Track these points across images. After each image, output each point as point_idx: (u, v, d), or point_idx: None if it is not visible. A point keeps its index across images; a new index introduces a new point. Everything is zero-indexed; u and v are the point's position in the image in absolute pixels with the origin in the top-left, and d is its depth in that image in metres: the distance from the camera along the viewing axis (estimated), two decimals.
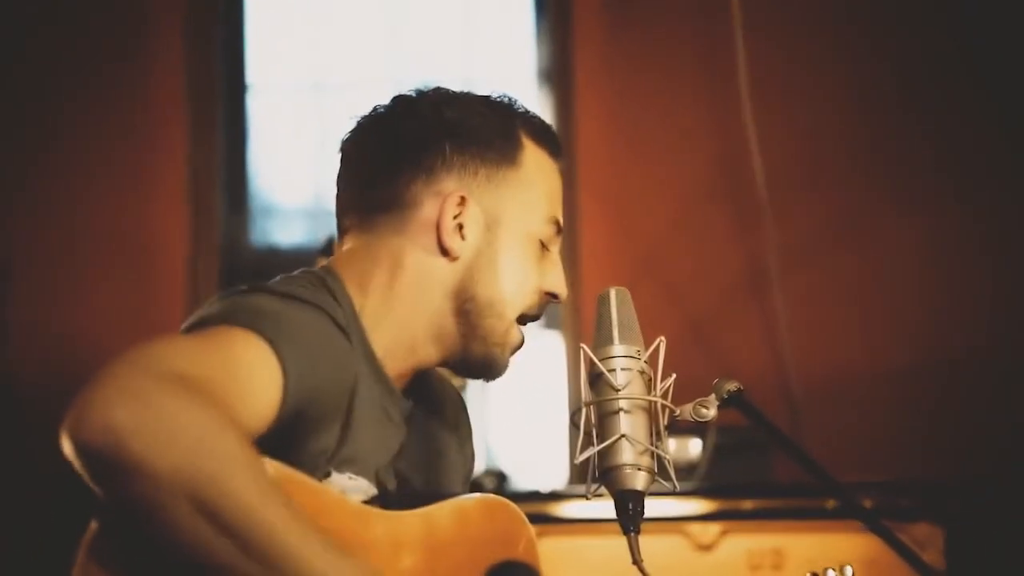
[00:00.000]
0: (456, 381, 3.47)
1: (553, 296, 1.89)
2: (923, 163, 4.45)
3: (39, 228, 4.57)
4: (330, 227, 1.96)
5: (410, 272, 1.82)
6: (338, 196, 1.93)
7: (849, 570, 2.05)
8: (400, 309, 1.81)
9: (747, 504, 3.58)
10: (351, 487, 1.70)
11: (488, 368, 1.87)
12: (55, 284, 4.55)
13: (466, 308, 1.82)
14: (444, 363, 1.88)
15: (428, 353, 1.85)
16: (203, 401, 1.41)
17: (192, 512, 1.37)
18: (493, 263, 1.83)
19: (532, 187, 1.87)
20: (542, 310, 1.90)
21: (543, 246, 1.88)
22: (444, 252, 1.82)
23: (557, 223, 1.90)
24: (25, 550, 1.44)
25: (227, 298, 1.67)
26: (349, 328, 1.73)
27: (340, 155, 1.93)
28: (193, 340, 1.56)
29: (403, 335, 1.82)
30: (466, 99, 1.90)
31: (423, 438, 1.90)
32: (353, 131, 1.93)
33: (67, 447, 1.37)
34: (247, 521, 1.38)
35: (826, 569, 2.04)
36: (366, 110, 1.93)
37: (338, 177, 1.93)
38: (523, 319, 1.87)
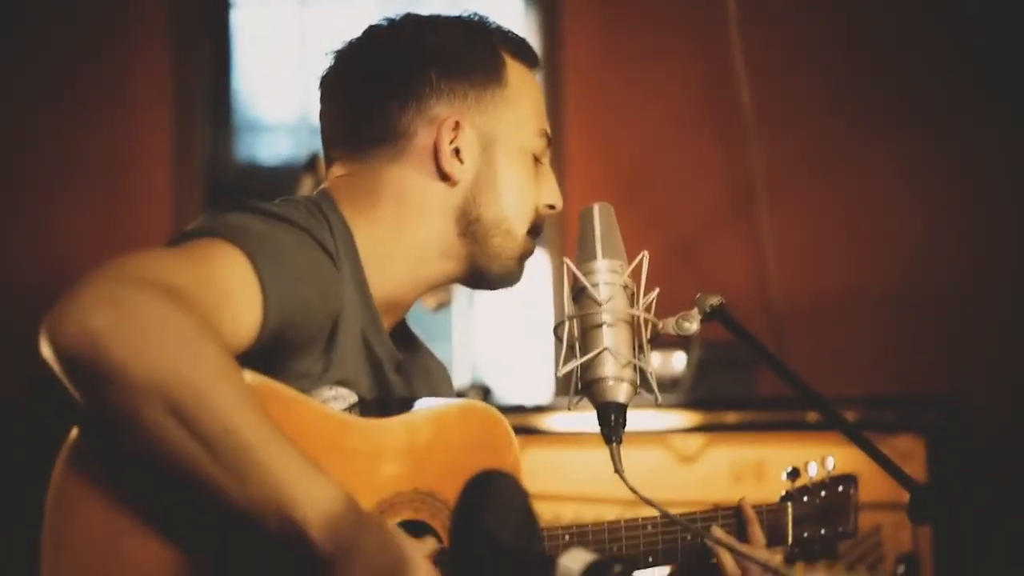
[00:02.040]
0: (433, 300, 3.50)
1: (550, 207, 1.91)
2: (908, 90, 4.45)
3: (19, 147, 4.55)
4: (314, 144, 1.95)
5: (413, 201, 1.82)
6: (323, 130, 1.92)
7: (831, 460, 2.09)
8: (406, 238, 1.82)
9: (730, 417, 3.61)
10: (331, 395, 1.71)
11: (504, 280, 1.91)
12: (36, 203, 4.54)
13: (471, 230, 1.84)
14: (458, 280, 1.90)
15: (437, 273, 1.86)
16: (183, 310, 1.41)
17: (167, 419, 1.37)
18: (493, 183, 1.84)
19: (520, 103, 1.88)
20: (543, 222, 1.91)
21: (536, 160, 1.89)
22: (444, 178, 1.82)
23: (547, 135, 1.91)
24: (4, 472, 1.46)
25: (213, 214, 1.66)
26: (339, 255, 1.73)
27: (321, 90, 1.92)
28: (175, 252, 1.55)
29: (407, 264, 1.82)
30: (441, 23, 1.90)
31: (409, 375, 1.91)
32: (333, 66, 1.91)
33: (46, 350, 1.37)
34: (222, 431, 1.39)
35: (807, 462, 2.07)
36: (342, 44, 1.91)
37: (322, 112, 1.92)
38: (531, 231, 1.89)
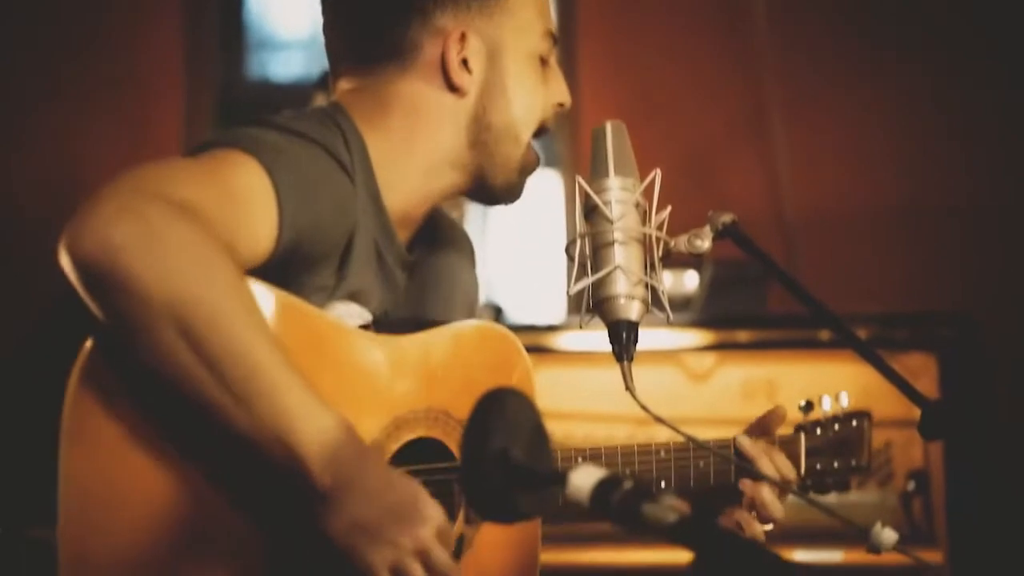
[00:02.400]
0: (454, 213, 3.49)
1: (560, 105, 1.89)
2: (925, 5, 4.39)
3: (31, 68, 4.53)
4: (325, 61, 1.94)
5: (424, 114, 1.81)
6: (328, 44, 1.90)
7: (844, 396, 2.08)
8: (418, 151, 1.81)
9: (742, 335, 3.62)
10: (346, 312, 1.71)
11: (508, 194, 1.89)
12: (49, 124, 4.53)
13: (482, 139, 1.83)
14: (463, 193, 1.89)
15: (446, 185, 1.85)
16: (200, 228, 1.41)
17: (177, 338, 1.38)
18: (503, 90, 1.83)
19: (523, 7, 1.86)
20: (553, 122, 1.90)
21: (543, 61, 1.88)
22: (453, 89, 1.81)
23: (552, 35, 1.89)
24: (23, 381, 1.48)
25: (229, 129, 1.66)
26: (354, 168, 1.73)
27: (323, 5, 1.91)
28: (194, 164, 1.55)
29: (418, 176, 1.81)
30: None
31: (423, 283, 1.92)
32: None
33: (64, 260, 1.38)
34: (230, 356, 1.40)
35: (821, 396, 2.07)
36: None
37: (325, 26, 1.90)
38: (538, 133, 1.88)
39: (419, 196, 1.83)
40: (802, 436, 2.04)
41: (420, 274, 1.90)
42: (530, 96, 1.85)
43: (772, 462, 1.93)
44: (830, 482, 2.06)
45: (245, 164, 1.56)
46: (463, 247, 2.06)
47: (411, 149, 1.80)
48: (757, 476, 1.91)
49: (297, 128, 1.67)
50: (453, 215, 3.31)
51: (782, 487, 1.91)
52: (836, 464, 2.06)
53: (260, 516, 1.53)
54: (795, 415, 2.06)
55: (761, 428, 2.00)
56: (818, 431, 2.05)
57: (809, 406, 2.05)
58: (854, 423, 2.08)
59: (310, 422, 1.44)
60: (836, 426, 2.07)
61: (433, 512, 1.51)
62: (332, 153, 1.69)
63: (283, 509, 1.51)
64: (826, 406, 2.07)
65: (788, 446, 2.01)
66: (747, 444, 1.94)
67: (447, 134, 1.82)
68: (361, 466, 1.47)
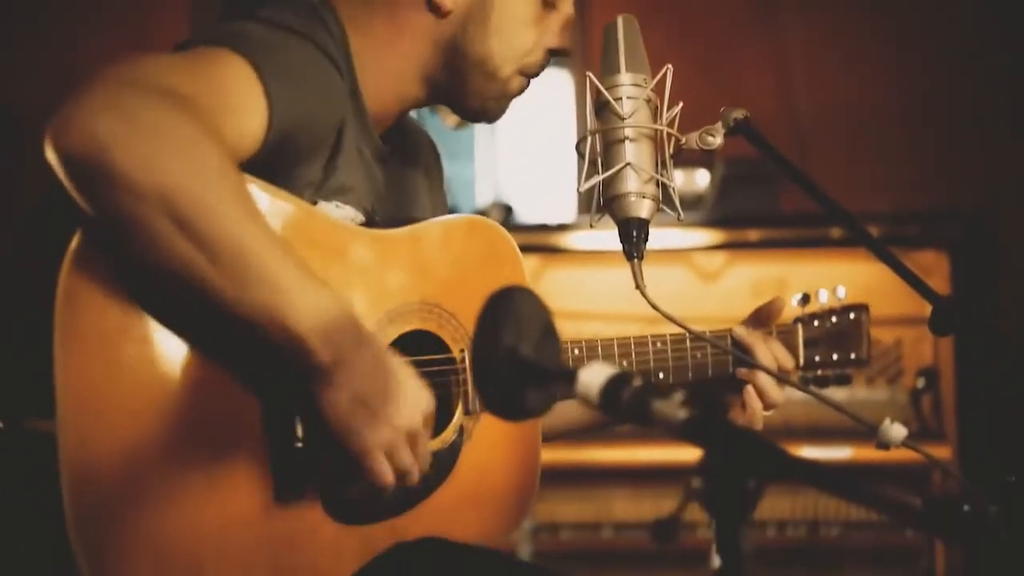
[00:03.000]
0: (453, 118, 3.46)
1: (555, 52, 1.85)
2: None
3: None
4: None
5: (402, 23, 1.78)
6: None
7: (842, 290, 2.09)
8: (393, 56, 1.79)
9: (752, 234, 3.62)
10: (338, 215, 1.71)
11: (480, 117, 1.87)
12: (53, 23, 4.49)
13: (455, 64, 1.80)
14: (436, 103, 1.87)
15: (417, 96, 1.84)
16: (188, 116, 1.40)
17: (169, 225, 1.37)
18: (485, 21, 1.79)
19: None
20: (543, 67, 1.85)
21: (547, 3, 1.83)
22: (433, 8, 1.78)
23: None
24: (16, 275, 1.47)
25: (217, 24, 1.64)
26: (340, 62, 1.71)
27: None
28: (180, 58, 1.53)
29: (392, 80, 1.80)
30: None
31: (396, 180, 1.90)
32: None
33: (50, 154, 1.36)
34: (223, 237, 1.38)
35: (818, 289, 2.07)
36: None
37: None
38: (525, 74, 1.84)
39: (391, 98, 1.82)
40: (799, 327, 2.04)
41: (393, 171, 1.89)
42: (514, 34, 1.80)
43: (769, 351, 1.94)
44: (831, 375, 2.07)
45: (231, 59, 1.54)
46: (430, 151, 2.06)
47: (387, 52, 1.79)
48: (753, 365, 1.91)
49: (284, 21, 1.65)
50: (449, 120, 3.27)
51: (778, 377, 1.92)
52: (835, 356, 2.07)
53: (261, 403, 1.54)
54: (793, 310, 2.07)
55: (759, 319, 2.01)
56: (815, 323, 2.06)
57: (806, 299, 2.05)
58: (851, 316, 2.09)
59: (307, 300, 1.43)
60: (833, 318, 2.07)
61: (425, 397, 1.53)
62: (319, 45, 1.67)
63: (282, 389, 1.52)
64: (823, 299, 2.07)
65: (786, 336, 2.02)
66: (743, 334, 1.95)
67: (421, 50, 1.80)
68: (358, 344, 1.47)
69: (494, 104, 1.85)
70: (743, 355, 1.92)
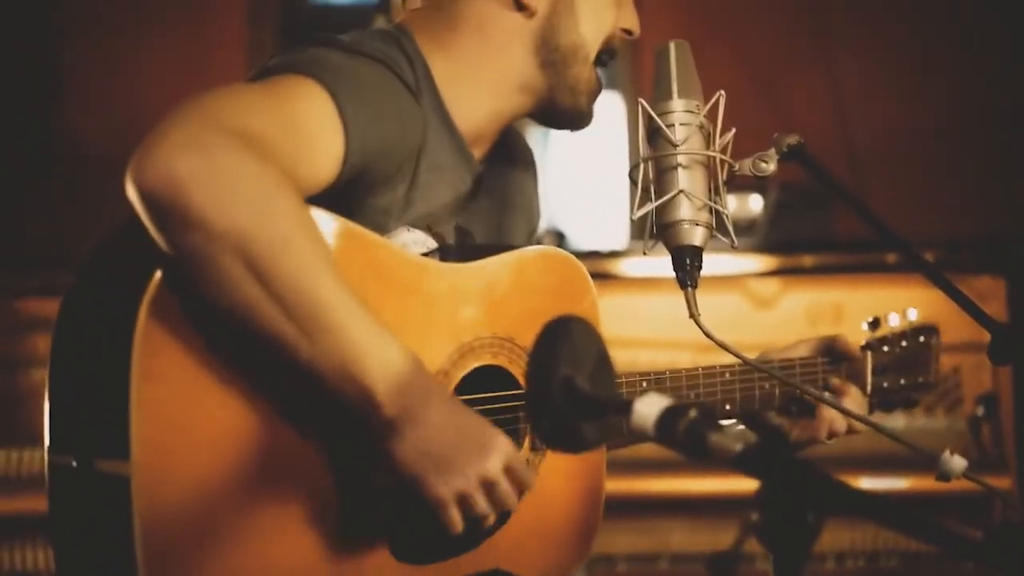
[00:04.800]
0: None
1: (627, 32, 1.86)
2: None
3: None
4: None
5: (492, 32, 1.78)
6: None
7: (913, 312, 2.05)
8: (486, 71, 1.79)
9: (807, 260, 3.58)
10: (410, 240, 1.70)
11: (576, 117, 1.86)
12: (113, 46, 4.54)
13: (552, 59, 1.80)
14: (531, 115, 1.87)
15: (515, 107, 1.83)
16: (265, 160, 1.40)
17: (242, 271, 1.38)
18: (571, 10, 1.79)
19: None
20: (618, 49, 1.87)
21: None
22: (521, 8, 1.78)
23: None
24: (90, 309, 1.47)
25: (293, 50, 1.64)
26: (419, 88, 1.71)
27: None
28: (256, 91, 1.54)
29: (487, 98, 1.79)
30: None
31: (491, 195, 1.90)
32: None
33: (130, 191, 1.37)
34: (295, 287, 1.39)
35: (888, 312, 2.04)
36: None
37: None
38: (601, 59, 1.84)
39: (489, 115, 1.81)
40: (869, 355, 2.02)
41: (490, 188, 1.88)
42: (598, 16, 1.81)
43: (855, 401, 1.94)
44: (896, 399, 2.04)
45: (308, 88, 1.54)
46: (528, 161, 2.04)
47: (480, 69, 1.78)
48: (820, 400, 1.90)
49: (360, 48, 1.65)
50: None
51: (846, 412, 1.90)
52: (903, 381, 2.04)
53: (329, 447, 1.54)
54: (854, 332, 2.04)
55: (829, 352, 1.98)
56: (885, 348, 2.03)
57: (875, 323, 2.03)
58: (921, 338, 2.06)
59: (376, 354, 1.43)
60: (903, 342, 2.05)
61: (500, 443, 1.51)
62: (396, 72, 1.67)
63: (352, 440, 1.52)
64: (893, 322, 2.04)
65: (854, 366, 1.99)
66: (839, 384, 1.95)
67: (515, 54, 1.79)
68: (427, 396, 1.47)
69: (585, 101, 1.84)
70: (807, 388, 1.90)
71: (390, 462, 1.48)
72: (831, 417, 1.93)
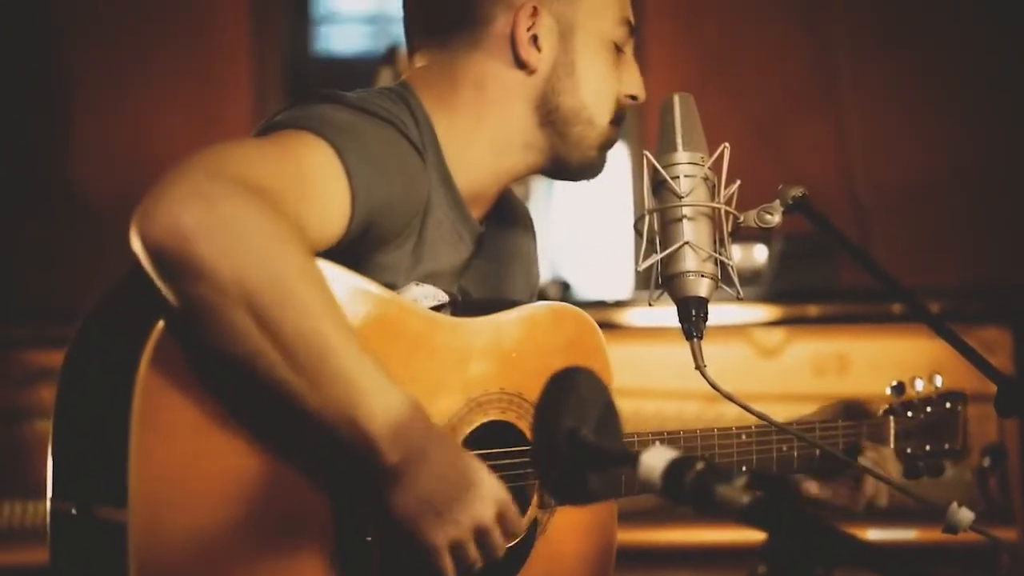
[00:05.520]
0: (519, 189, 3.47)
1: (632, 98, 1.86)
2: None
3: (102, 40, 4.57)
4: (392, 36, 1.93)
5: (492, 89, 1.79)
6: (405, 17, 1.88)
7: (939, 378, 2.02)
8: (485, 129, 1.79)
9: (812, 310, 3.58)
10: (420, 294, 1.71)
11: (586, 171, 1.86)
12: (120, 95, 4.57)
13: (552, 119, 1.80)
14: (540, 171, 1.87)
15: (520, 165, 1.83)
16: (271, 211, 1.41)
17: (249, 321, 1.38)
18: (572, 72, 1.79)
19: None
20: (623, 113, 1.86)
21: (617, 49, 1.84)
22: (521, 65, 1.78)
23: (629, 23, 1.85)
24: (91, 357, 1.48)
25: (299, 105, 1.65)
26: (424, 146, 1.71)
27: None
28: (263, 145, 1.55)
29: (487, 157, 1.79)
30: None
31: (491, 256, 1.90)
32: None
33: (135, 243, 1.38)
34: (300, 337, 1.39)
35: (914, 377, 2.02)
36: None
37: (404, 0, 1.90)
38: (612, 121, 1.84)
39: (489, 174, 1.81)
40: (891, 419, 2.00)
41: (490, 250, 1.89)
42: (600, 82, 1.81)
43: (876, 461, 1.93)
44: (922, 466, 2.01)
45: (315, 145, 1.55)
46: (527, 223, 2.04)
47: (479, 127, 1.79)
48: (846, 462, 1.88)
49: (366, 105, 1.66)
50: (518, 190, 3.30)
51: (873, 474, 1.89)
52: (928, 448, 2.01)
53: (330, 494, 1.53)
54: (859, 382, 2.03)
55: (848, 413, 1.97)
56: (909, 414, 2.01)
57: (900, 388, 2.00)
58: (948, 405, 2.03)
59: (378, 401, 1.43)
60: (928, 408, 2.02)
61: (494, 492, 1.51)
62: (402, 130, 1.67)
63: (352, 487, 1.52)
64: (918, 387, 2.02)
65: (876, 430, 1.97)
66: (874, 456, 1.93)
67: (515, 112, 1.79)
68: (428, 445, 1.47)
69: (596, 154, 1.84)
70: (829, 447, 1.88)
71: (389, 507, 1.48)
72: (873, 493, 1.91)
